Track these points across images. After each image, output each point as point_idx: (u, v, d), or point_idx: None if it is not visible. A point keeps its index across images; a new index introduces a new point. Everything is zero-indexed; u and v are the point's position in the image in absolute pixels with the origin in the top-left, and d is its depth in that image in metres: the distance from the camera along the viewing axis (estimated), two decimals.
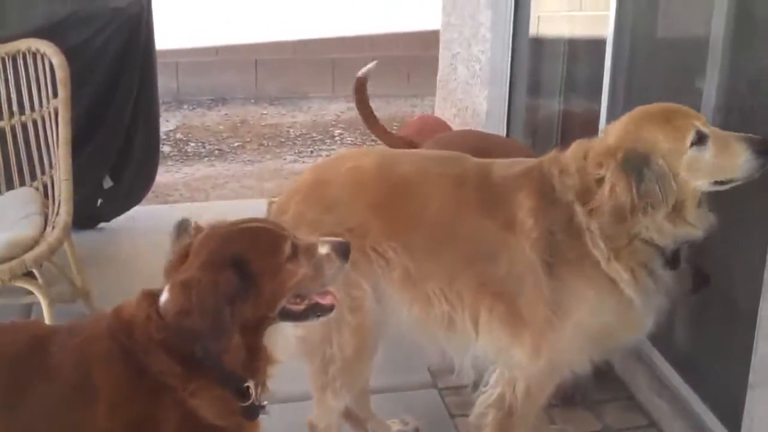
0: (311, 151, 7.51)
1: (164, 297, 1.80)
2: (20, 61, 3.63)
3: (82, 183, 3.79)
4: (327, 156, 7.11)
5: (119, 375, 1.77)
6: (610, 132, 2.40)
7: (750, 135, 2.28)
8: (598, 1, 3.84)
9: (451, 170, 2.50)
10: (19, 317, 3.62)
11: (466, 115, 5.10)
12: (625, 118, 2.40)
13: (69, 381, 1.77)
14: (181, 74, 9.10)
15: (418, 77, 8.90)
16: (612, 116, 3.48)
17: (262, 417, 1.91)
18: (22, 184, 3.70)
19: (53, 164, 3.48)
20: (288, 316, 1.88)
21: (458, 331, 2.47)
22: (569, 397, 3.07)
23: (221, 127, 8.24)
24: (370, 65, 3.91)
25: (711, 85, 2.89)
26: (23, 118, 3.66)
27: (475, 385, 2.62)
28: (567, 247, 2.34)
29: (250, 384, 1.85)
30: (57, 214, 3.26)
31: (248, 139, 7.81)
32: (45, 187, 3.58)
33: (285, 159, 7.28)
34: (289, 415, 2.70)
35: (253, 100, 9.17)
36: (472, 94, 5.04)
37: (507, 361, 2.47)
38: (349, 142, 7.86)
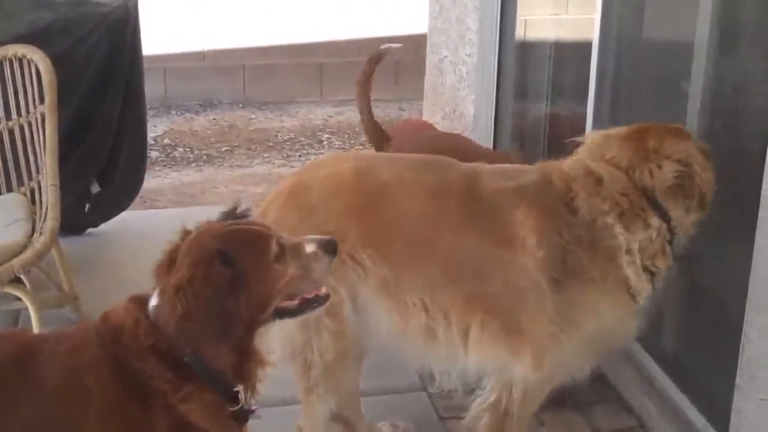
0: (299, 156, 7.51)
1: (154, 301, 1.80)
2: (6, 67, 3.62)
3: (70, 188, 3.78)
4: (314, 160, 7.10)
5: (109, 382, 1.76)
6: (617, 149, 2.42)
7: None
8: (584, 4, 3.86)
9: (429, 178, 2.47)
10: (7, 323, 3.62)
11: (453, 119, 5.11)
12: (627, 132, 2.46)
13: (58, 389, 1.76)
14: (168, 79, 9.07)
15: (406, 81, 8.90)
16: (598, 119, 3.50)
17: (251, 421, 1.91)
18: (9, 190, 3.69)
19: (40, 170, 3.47)
20: (283, 313, 1.88)
21: (441, 343, 2.44)
22: (558, 398, 3.08)
23: (209, 132, 8.23)
24: (394, 45, 3.81)
25: (696, 89, 2.91)
26: (10, 123, 3.65)
27: (465, 389, 2.62)
28: (590, 265, 2.33)
29: (240, 388, 1.85)
30: (44, 219, 3.25)
31: (236, 144, 7.79)
32: (32, 192, 3.57)
33: (273, 163, 7.27)
34: (279, 418, 2.71)
35: (241, 105, 9.15)
36: (459, 97, 5.05)
37: (504, 372, 2.46)
38: (337, 146, 7.85)
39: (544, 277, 2.32)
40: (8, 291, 3.09)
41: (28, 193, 3.59)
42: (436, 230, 2.41)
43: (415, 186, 2.45)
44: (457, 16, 5.04)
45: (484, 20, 4.70)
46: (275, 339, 2.29)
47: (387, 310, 2.45)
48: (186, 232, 1.88)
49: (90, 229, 4.82)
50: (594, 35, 3.57)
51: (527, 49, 4.67)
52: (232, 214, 1.98)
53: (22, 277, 3.21)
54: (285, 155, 7.53)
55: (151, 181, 6.15)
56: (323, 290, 1.93)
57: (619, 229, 2.33)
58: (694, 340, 3.07)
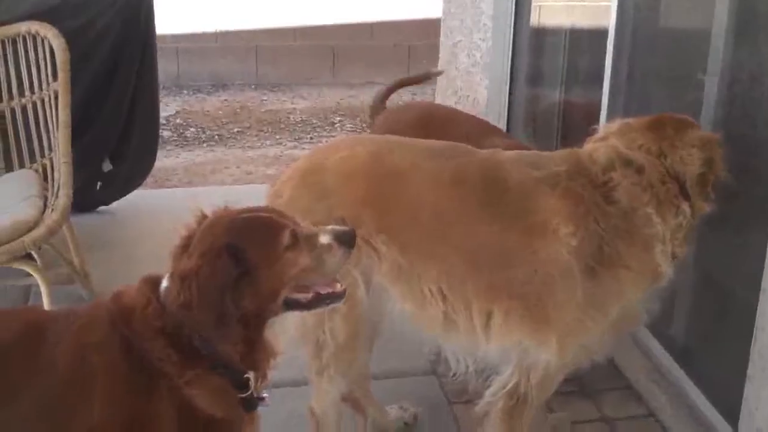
0: (311, 138, 7.51)
1: (165, 284, 1.80)
2: (20, 44, 3.62)
3: (82, 166, 3.78)
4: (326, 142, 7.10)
5: (116, 361, 1.75)
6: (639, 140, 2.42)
7: None
8: None
9: (446, 164, 2.44)
10: (18, 299, 3.64)
11: (466, 104, 5.09)
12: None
13: (65, 367, 1.76)
14: (181, 59, 9.08)
15: (418, 65, 8.88)
16: (613, 107, 3.48)
17: (260, 408, 1.90)
18: (22, 166, 3.70)
19: (53, 147, 3.48)
20: (295, 305, 1.85)
21: (461, 330, 2.42)
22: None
23: (221, 112, 8.23)
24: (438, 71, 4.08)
25: (713, 77, 2.89)
26: (23, 100, 3.65)
27: (477, 374, 2.61)
28: (627, 253, 2.33)
29: (250, 376, 1.83)
30: (56, 196, 3.26)
31: (248, 125, 7.80)
32: (44, 169, 3.57)
33: (285, 145, 7.27)
34: (291, 400, 2.71)
35: (253, 86, 9.16)
36: (472, 82, 5.03)
37: (525, 358, 2.45)
38: (349, 128, 7.85)
39: (579, 265, 2.31)
40: (19, 267, 3.09)
41: (41, 170, 3.59)
42: (455, 217, 2.38)
43: (432, 172, 2.42)
44: (471, 1, 5.02)
45: (499, 4, 4.67)
46: (288, 319, 2.28)
47: (401, 295, 2.43)
48: (202, 216, 1.86)
49: (101, 207, 4.84)
50: (610, 22, 3.55)
51: (541, 35, 4.65)
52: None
53: (33, 253, 3.22)
54: (296, 137, 7.53)
55: (162, 161, 6.17)
56: (339, 287, 1.89)
57: (657, 218, 2.34)
58: (705, 329, 3.06)
